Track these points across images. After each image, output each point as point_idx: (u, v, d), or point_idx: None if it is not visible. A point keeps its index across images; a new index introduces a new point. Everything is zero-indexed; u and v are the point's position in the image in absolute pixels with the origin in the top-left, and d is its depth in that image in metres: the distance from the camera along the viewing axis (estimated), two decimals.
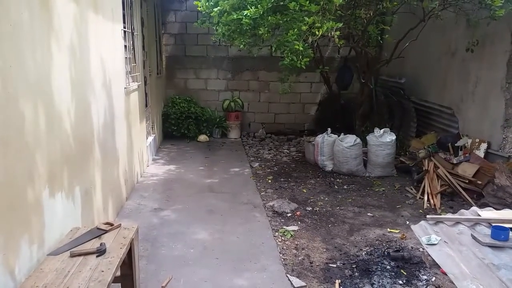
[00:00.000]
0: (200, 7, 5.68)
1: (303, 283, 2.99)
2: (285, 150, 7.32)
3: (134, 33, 5.28)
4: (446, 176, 4.86)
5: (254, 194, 4.99)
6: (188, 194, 4.92)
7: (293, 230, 3.93)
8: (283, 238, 3.78)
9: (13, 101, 1.98)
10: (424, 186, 4.93)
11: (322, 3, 4.34)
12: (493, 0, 4.26)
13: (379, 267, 3.20)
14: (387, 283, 2.98)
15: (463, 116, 5.68)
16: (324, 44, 7.43)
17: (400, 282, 3.00)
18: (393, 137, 5.71)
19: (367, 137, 5.84)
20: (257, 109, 8.79)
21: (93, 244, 2.37)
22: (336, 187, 5.34)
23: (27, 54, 2.14)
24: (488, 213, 3.77)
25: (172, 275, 3.02)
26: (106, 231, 2.53)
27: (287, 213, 4.37)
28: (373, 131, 5.81)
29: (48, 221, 2.34)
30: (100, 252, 2.26)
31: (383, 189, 5.23)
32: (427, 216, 3.90)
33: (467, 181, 4.73)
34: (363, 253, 3.46)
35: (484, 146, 5.05)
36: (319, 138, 6.09)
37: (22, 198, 2.07)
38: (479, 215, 3.72)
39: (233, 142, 8.01)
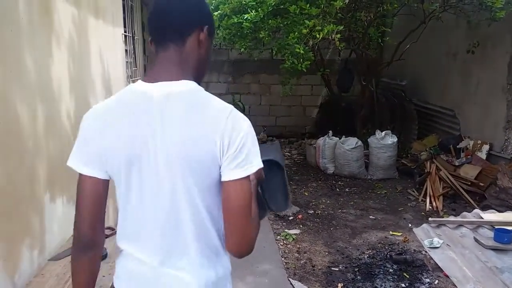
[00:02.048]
0: None
1: (305, 287, 2.98)
2: (286, 153, 7.32)
3: (135, 37, 5.29)
4: (448, 178, 4.84)
5: None
6: None
7: (295, 234, 3.92)
8: (285, 241, 3.77)
9: (13, 106, 1.98)
10: (426, 189, 4.91)
11: (322, 6, 4.35)
12: (494, 1, 4.26)
13: (381, 270, 3.19)
14: (390, 286, 2.97)
15: (464, 118, 5.66)
16: (325, 46, 7.41)
17: (403, 285, 2.98)
18: (395, 139, 5.69)
19: (368, 140, 5.83)
20: (258, 112, 8.78)
21: None
22: (337, 190, 5.33)
23: (27, 59, 2.14)
24: (491, 216, 3.75)
25: None
26: (107, 236, 2.52)
27: (289, 216, 4.36)
28: (375, 134, 5.80)
29: (49, 226, 2.33)
30: (101, 256, 2.25)
31: (385, 191, 5.22)
32: (429, 219, 3.88)
33: (469, 183, 4.72)
34: (366, 256, 3.45)
35: (486, 147, 5.03)
36: (320, 140, 6.08)
37: (23, 203, 2.07)
38: (481, 218, 3.70)
39: None
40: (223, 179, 1.00)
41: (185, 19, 1.04)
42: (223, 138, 0.97)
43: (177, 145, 0.99)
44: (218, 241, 1.09)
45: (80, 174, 1.07)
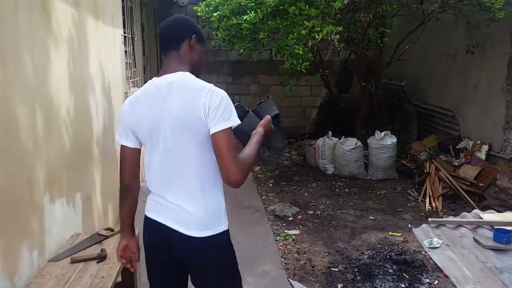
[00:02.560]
0: (199, 13, 5.70)
1: None
2: (286, 154, 7.32)
3: (134, 38, 5.30)
4: (448, 179, 4.85)
5: (255, 198, 4.98)
6: None
7: (294, 234, 3.92)
8: (284, 242, 3.77)
9: (12, 107, 1.98)
10: (425, 189, 4.92)
11: (321, 7, 4.35)
12: (493, 2, 4.26)
13: (381, 270, 3.19)
14: (390, 286, 2.97)
15: (464, 118, 5.67)
16: (324, 47, 7.43)
17: (403, 285, 2.98)
18: (394, 139, 5.70)
19: (368, 140, 5.83)
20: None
21: (94, 250, 2.37)
22: (337, 190, 5.33)
23: (26, 60, 2.14)
24: (490, 216, 3.75)
25: None
26: (106, 237, 2.53)
27: (289, 217, 4.36)
28: (374, 134, 5.80)
29: (48, 227, 2.33)
30: (101, 258, 2.25)
31: (385, 192, 5.22)
32: (429, 219, 3.88)
33: (468, 184, 4.72)
34: (365, 257, 3.45)
35: (485, 148, 5.03)
36: (320, 141, 6.08)
37: (22, 204, 2.07)
38: (481, 218, 3.70)
39: None
40: (210, 133, 1.46)
41: (178, 33, 1.60)
42: (205, 105, 1.45)
43: (176, 115, 1.48)
44: (213, 182, 1.56)
45: (121, 145, 1.62)
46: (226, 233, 1.60)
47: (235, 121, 1.48)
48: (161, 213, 1.60)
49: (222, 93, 1.49)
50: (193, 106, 1.45)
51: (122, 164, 1.64)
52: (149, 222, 1.66)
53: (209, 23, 5.83)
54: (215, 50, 8.27)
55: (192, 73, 1.55)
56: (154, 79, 1.57)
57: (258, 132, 1.63)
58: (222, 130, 1.44)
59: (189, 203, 1.53)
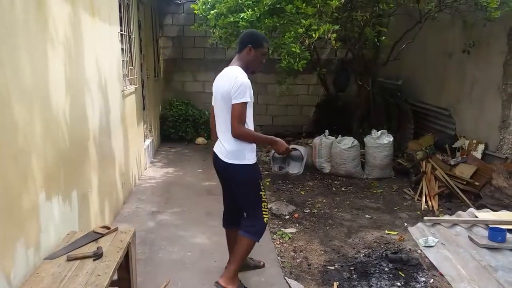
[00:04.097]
0: (196, 11, 5.68)
1: (301, 286, 2.99)
2: None
3: (131, 36, 5.28)
4: (444, 178, 4.86)
5: None
6: (186, 197, 4.91)
7: (291, 233, 3.93)
8: (281, 240, 3.77)
9: (8, 105, 1.98)
10: (421, 188, 4.94)
11: (318, 5, 4.36)
12: (489, 1, 4.28)
13: (377, 269, 3.20)
14: (385, 285, 2.98)
15: (460, 118, 5.69)
16: (321, 46, 7.42)
17: (398, 284, 3.00)
18: (391, 138, 5.71)
19: (364, 139, 5.84)
20: (255, 111, 8.72)
21: (90, 248, 2.36)
22: (334, 189, 5.34)
23: (22, 58, 2.13)
24: (485, 215, 3.77)
25: (170, 278, 3.01)
26: (103, 235, 2.52)
27: (285, 215, 4.37)
28: (371, 133, 5.81)
29: (44, 225, 2.33)
30: (97, 256, 2.25)
31: (381, 190, 5.23)
32: (424, 218, 3.90)
33: (464, 183, 4.74)
34: (361, 255, 3.46)
35: (481, 147, 5.06)
36: (316, 140, 6.09)
37: (18, 202, 2.06)
38: (476, 217, 3.72)
39: None
40: (231, 103, 2.55)
41: (243, 42, 2.72)
42: (231, 86, 2.55)
43: (222, 90, 2.62)
44: None
45: (212, 105, 2.83)
46: (247, 166, 2.67)
47: (246, 100, 2.53)
48: (215, 148, 2.78)
49: (242, 80, 2.53)
50: (228, 86, 2.56)
51: (212, 117, 2.88)
52: (213, 155, 2.82)
53: (206, 21, 5.82)
54: (213, 48, 8.25)
55: (246, 69, 2.66)
56: (225, 68, 2.73)
57: (274, 138, 2.83)
58: (236, 103, 2.53)
59: (225, 142, 2.67)
